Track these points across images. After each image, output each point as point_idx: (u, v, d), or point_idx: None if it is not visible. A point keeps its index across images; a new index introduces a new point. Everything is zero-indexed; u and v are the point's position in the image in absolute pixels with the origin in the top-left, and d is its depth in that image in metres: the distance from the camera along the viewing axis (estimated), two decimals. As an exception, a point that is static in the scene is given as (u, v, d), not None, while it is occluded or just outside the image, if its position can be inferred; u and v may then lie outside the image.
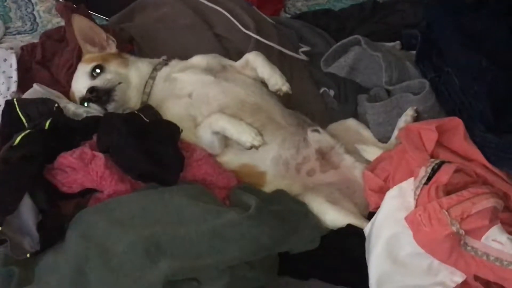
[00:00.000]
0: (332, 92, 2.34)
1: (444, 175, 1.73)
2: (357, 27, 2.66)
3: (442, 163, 1.77)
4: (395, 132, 2.14)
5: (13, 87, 2.17)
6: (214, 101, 2.02)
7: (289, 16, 2.93)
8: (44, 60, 2.26)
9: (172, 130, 1.95)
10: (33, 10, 3.03)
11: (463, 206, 1.66)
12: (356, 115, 2.29)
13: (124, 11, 2.62)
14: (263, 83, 2.12)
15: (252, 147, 1.90)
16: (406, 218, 1.71)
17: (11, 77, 2.19)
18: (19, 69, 2.23)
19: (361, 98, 2.28)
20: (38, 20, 2.96)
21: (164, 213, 1.77)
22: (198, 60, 2.14)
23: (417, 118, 2.11)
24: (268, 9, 2.86)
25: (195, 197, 1.82)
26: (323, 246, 1.86)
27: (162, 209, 1.78)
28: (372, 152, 2.07)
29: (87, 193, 1.93)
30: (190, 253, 1.68)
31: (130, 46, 2.34)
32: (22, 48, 2.30)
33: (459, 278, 1.71)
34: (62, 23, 2.90)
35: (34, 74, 2.24)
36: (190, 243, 1.69)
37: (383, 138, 2.18)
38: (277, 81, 2.07)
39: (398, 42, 2.49)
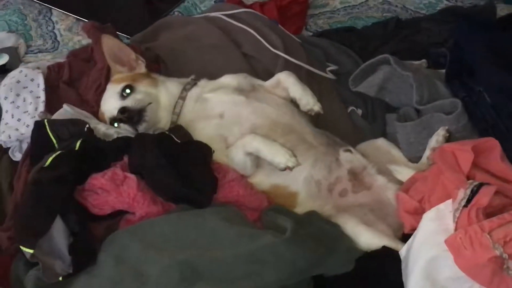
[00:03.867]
0: (360, 111, 2.32)
1: (484, 197, 1.70)
2: (381, 45, 2.64)
3: (481, 185, 1.74)
4: (427, 152, 2.11)
5: (41, 107, 2.15)
6: (246, 121, 2.00)
7: (311, 34, 2.92)
8: (71, 79, 2.25)
9: (204, 151, 1.93)
10: (54, 28, 3.03)
11: (505, 229, 1.63)
12: (385, 135, 2.27)
13: (147, 30, 2.62)
14: (294, 103, 2.10)
15: (286, 168, 1.88)
16: (446, 242, 1.68)
17: (39, 97, 2.18)
18: (46, 89, 2.20)
19: (390, 118, 2.26)
20: (59, 38, 2.97)
21: (198, 236, 1.75)
22: (228, 80, 2.12)
23: (448, 138, 2.09)
24: (290, 27, 2.85)
25: (229, 219, 1.80)
26: (358, 268, 1.82)
27: (196, 232, 1.76)
28: (404, 172, 2.04)
29: (117, 215, 1.91)
30: (227, 277, 1.66)
31: (156, 66, 2.32)
32: (48, 67, 2.29)
33: (499, 303, 1.68)
34: (84, 42, 2.94)
35: (61, 94, 2.22)
36: (226, 267, 1.67)
37: (414, 158, 2.15)
38: (308, 101, 2.05)
39: (424, 60, 2.47)
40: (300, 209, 1.98)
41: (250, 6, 2.89)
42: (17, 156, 2.12)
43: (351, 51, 2.55)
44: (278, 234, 1.77)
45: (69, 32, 3.00)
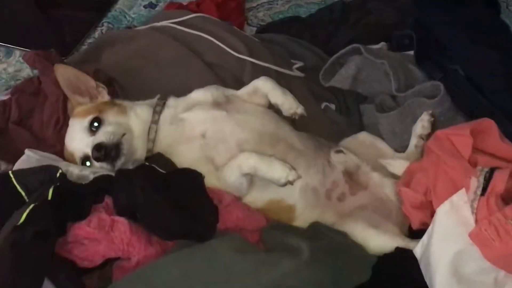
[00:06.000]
0: (333, 106, 2.23)
1: (499, 183, 1.65)
2: (334, 32, 2.55)
3: (492, 170, 1.69)
4: (413, 140, 2.05)
5: (-8, 156, 1.91)
6: (231, 137, 1.85)
7: (254, 28, 2.79)
8: (21, 118, 2.00)
9: (195, 178, 1.77)
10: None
11: (529, 213, 1.59)
12: (362, 127, 2.19)
13: (87, 49, 2.42)
14: (273, 109, 1.97)
15: (287, 183, 1.75)
16: (471, 235, 1.62)
17: (-13, 144, 1.92)
18: (-7, 134, 1.96)
19: (366, 108, 2.18)
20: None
21: (211, 272, 1.61)
22: (201, 95, 1.95)
23: (433, 122, 2.03)
24: (232, 24, 2.71)
25: (238, 249, 1.66)
26: (376, 275, 1.74)
27: (208, 268, 1.61)
28: (398, 165, 1.97)
29: (107, 263, 1.73)
30: (255, 311, 1.53)
31: (111, 90, 2.10)
32: (-9, 108, 2.02)
33: (525, 286, 1.64)
34: (10, 69, 2.67)
35: (11, 136, 1.97)
36: (250, 300, 1.54)
37: (400, 148, 2.09)
38: (291, 104, 1.93)
39: (383, 43, 2.40)
40: (300, 221, 1.88)
41: (186, 6, 2.73)
42: (-26, 216, 1.87)
43: (310, 44, 2.43)
44: (293, 255, 1.65)
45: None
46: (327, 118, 2.19)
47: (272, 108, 1.98)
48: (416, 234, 1.84)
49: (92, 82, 1.91)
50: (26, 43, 2.74)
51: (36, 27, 2.89)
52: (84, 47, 2.72)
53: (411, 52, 2.24)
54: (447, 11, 2.15)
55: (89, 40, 2.78)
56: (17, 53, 2.74)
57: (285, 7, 2.90)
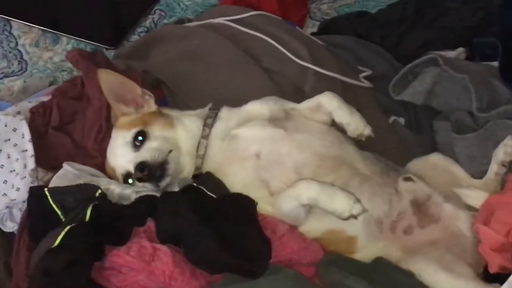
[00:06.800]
0: (402, 120, 2.00)
1: None
2: (406, 33, 2.31)
3: None
4: (494, 167, 1.82)
5: (31, 164, 1.75)
6: (288, 159, 1.65)
7: (316, 22, 2.57)
8: (62, 123, 1.84)
9: (247, 207, 1.59)
10: (17, 45, 2.59)
11: None
12: (434, 145, 1.97)
13: (135, 44, 2.25)
14: (336, 126, 1.76)
15: (350, 217, 1.55)
16: None
17: (26, 150, 1.76)
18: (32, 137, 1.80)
19: (441, 126, 1.96)
20: (25, 57, 2.53)
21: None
22: (257, 108, 1.75)
23: (518, 148, 1.80)
24: (292, 17, 2.52)
25: (291, 290, 1.48)
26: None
27: (257, 313, 1.44)
28: (476, 197, 1.75)
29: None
30: None
31: (158, 92, 1.92)
32: (31, 111, 1.85)
33: None
34: (56, 58, 2.53)
35: (51, 141, 1.82)
36: None
37: (477, 173, 1.86)
38: (358, 125, 1.72)
39: (462, 49, 2.14)
40: (361, 254, 1.68)
41: (244, -3, 2.53)
42: (9, 226, 1.74)
43: (379, 46, 2.20)
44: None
45: (36, 47, 2.56)
46: (396, 134, 1.97)
47: (336, 125, 1.77)
48: (492, 276, 1.63)
49: (138, 90, 1.73)
50: (74, 30, 2.60)
51: (85, 12, 2.71)
52: (134, 37, 2.57)
53: (495, 63, 1.99)
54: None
55: (140, 30, 2.61)
56: (64, 40, 2.60)
57: (352, 0, 2.66)
